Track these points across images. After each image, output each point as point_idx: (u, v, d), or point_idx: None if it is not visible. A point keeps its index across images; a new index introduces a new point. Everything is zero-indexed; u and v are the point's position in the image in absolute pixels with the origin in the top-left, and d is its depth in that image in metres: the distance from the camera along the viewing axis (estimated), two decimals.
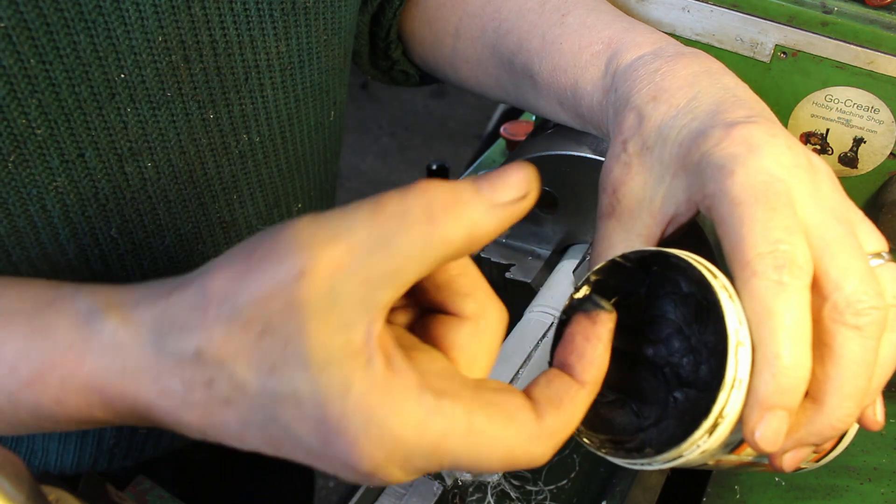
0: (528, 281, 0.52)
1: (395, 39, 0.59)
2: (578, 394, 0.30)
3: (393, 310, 0.33)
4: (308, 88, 0.49)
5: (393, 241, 0.25)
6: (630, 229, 0.40)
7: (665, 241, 0.40)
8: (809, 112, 0.50)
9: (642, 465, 0.33)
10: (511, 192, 0.27)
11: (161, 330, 0.27)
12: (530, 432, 0.29)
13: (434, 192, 0.26)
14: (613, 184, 0.41)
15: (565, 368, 0.31)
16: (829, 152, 0.50)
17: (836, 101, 0.49)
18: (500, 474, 0.39)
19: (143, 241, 0.45)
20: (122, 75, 0.39)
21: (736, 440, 0.34)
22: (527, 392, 0.30)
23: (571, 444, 0.61)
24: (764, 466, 0.37)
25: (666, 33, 0.46)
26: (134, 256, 0.45)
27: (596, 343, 0.31)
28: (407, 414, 0.26)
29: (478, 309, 0.31)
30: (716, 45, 0.51)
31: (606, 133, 0.45)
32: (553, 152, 0.49)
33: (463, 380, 0.29)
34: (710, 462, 0.34)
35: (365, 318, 0.26)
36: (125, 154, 0.41)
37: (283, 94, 0.47)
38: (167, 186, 0.44)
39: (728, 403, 0.31)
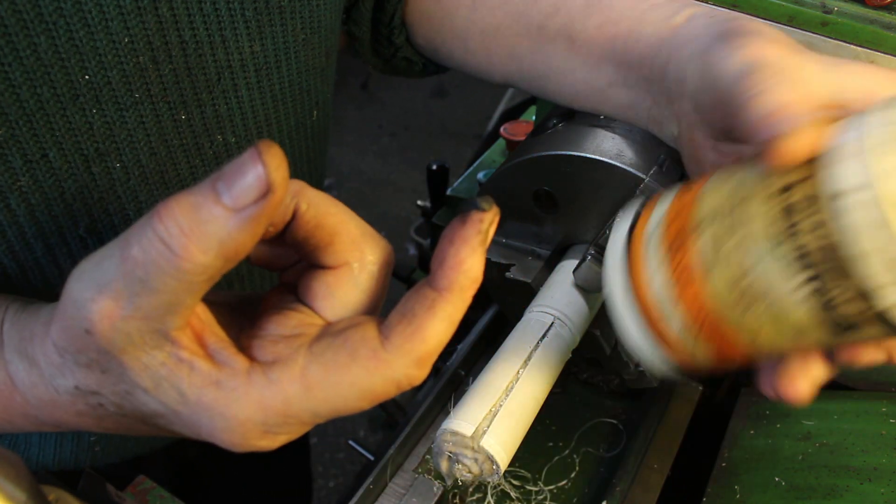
0: (528, 281, 0.52)
1: (398, 24, 0.59)
2: (434, 303, 0.28)
3: (284, 269, 0.35)
4: (286, 88, 0.49)
5: (148, 283, 0.27)
6: None
7: None
8: None
9: None
10: (251, 193, 0.26)
11: (49, 372, 0.32)
12: (377, 362, 0.28)
13: (172, 220, 0.26)
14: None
15: (429, 277, 0.29)
16: None
17: None
18: (501, 475, 0.39)
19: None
20: (86, 77, 0.38)
21: None
22: (388, 317, 0.30)
23: (572, 445, 0.61)
24: None
25: None
26: None
27: (459, 245, 0.28)
28: (242, 397, 0.29)
29: (339, 258, 0.32)
30: None
31: (664, 60, 0.44)
32: (553, 152, 0.49)
33: (306, 335, 0.31)
34: None
35: (165, 341, 0.28)
36: (91, 155, 0.41)
37: (259, 95, 0.47)
38: (137, 187, 0.44)
39: None
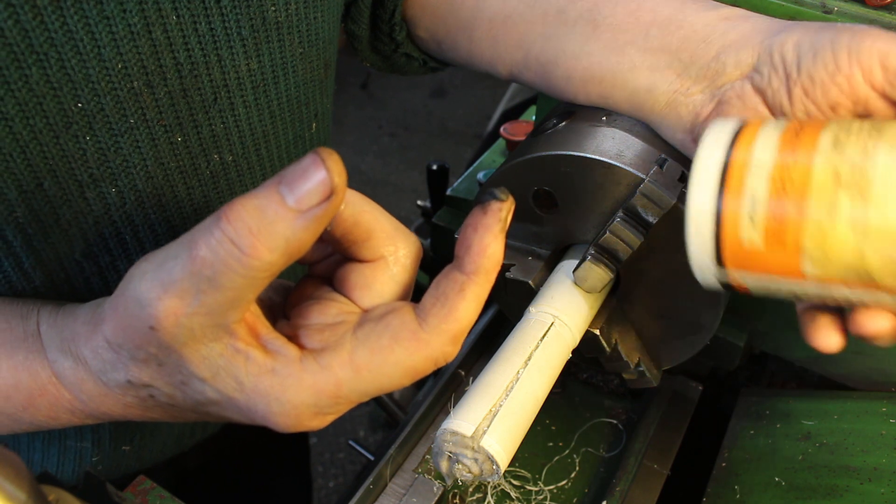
0: (528, 281, 0.52)
1: (399, 21, 0.58)
2: (464, 286, 0.32)
3: (315, 262, 0.38)
4: (284, 103, 0.48)
5: (215, 281, 0.29)
6: None
7: None
8: None
9: None
10: (315, 196, 0.28)
11: (98, 367, 0.34)
12: (418, 343, 0.31)
13: (240, 221, 0.28)
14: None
15: (456, 262, 0.32)
16: None
17: None
18: (501, 475, 0.39)
19: (109, 264, 0.45)
20: (79, 104, 0.38)
21: None
22: (421, 300, 0.33)
23: (572, 445, 0.61)
24: None
25: None
26: (100, 279, 0.45)
27: (483, 232, 0.32)
28: (297, 383, 0.31)
29: (375, 252, 0.35)
30: None
31: (718, 45, 0.44)
32: (553, 152, 0.49)
33: (348, 323, 0.33)
34: None
35: (224, 333, 0.31)
36: (85, 181, 0.40)
37: (257, 112, 0.46)
38: (132, 211, 0.43)
39: None
